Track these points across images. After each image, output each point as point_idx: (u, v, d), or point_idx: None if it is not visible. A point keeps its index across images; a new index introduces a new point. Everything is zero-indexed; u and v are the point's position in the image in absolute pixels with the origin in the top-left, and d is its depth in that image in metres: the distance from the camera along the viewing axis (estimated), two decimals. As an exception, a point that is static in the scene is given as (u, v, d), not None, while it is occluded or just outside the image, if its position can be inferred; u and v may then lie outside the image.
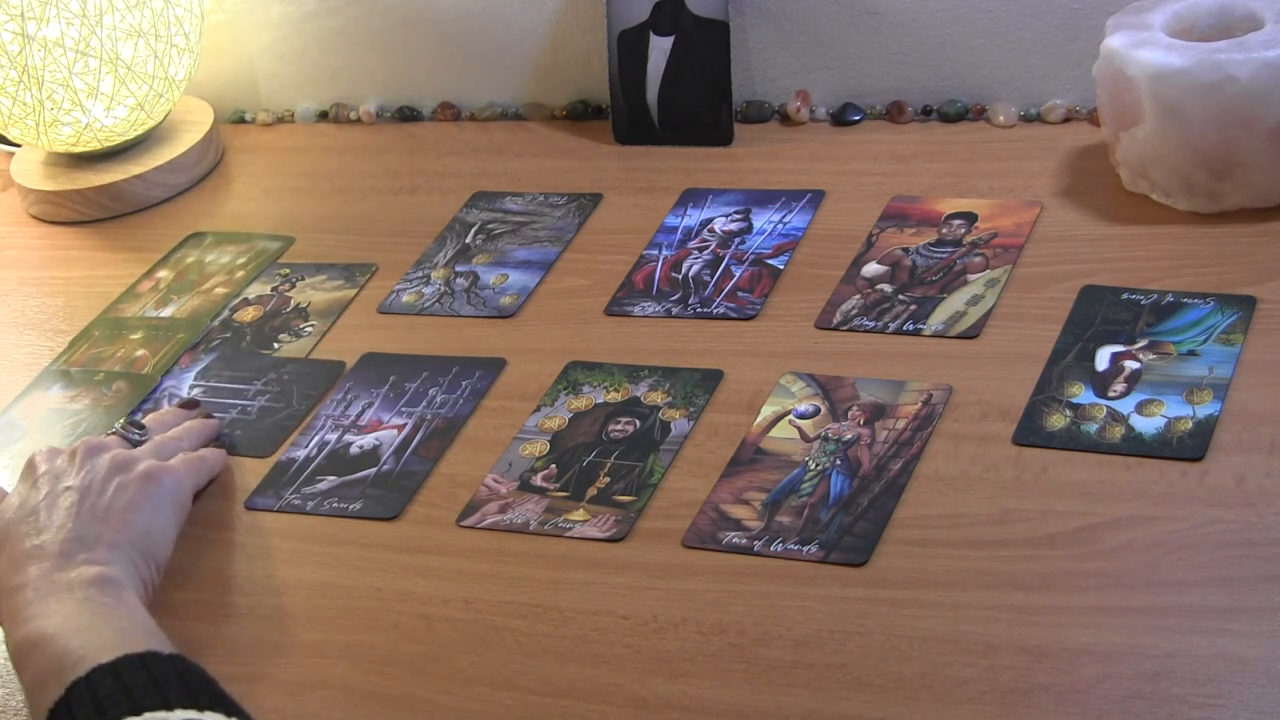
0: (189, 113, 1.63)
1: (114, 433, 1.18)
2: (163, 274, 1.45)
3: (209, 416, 1.24)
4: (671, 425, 1.16)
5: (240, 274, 1.43)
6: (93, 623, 0.97)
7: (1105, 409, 1.09)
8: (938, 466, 1.08)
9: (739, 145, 1.48)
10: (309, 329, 1.34)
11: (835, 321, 1.23)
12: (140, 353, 1.35)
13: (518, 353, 1.26)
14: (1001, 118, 1.44)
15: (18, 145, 1.64)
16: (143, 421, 1.20)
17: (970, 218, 1.31)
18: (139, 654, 0.93)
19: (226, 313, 1.38)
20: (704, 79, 1.48)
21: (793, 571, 1.02)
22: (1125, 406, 1.09)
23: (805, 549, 1.03)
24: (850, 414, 1.13)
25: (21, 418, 1.30)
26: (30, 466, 1.11)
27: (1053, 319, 1.18)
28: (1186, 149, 1.23)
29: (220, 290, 1.41)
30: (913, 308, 1.23)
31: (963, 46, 1.45)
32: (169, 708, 0.89)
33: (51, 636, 0.95)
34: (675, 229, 1.38)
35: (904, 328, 1.21)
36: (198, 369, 1.31)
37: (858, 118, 1.49)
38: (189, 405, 1.26)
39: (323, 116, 1.67)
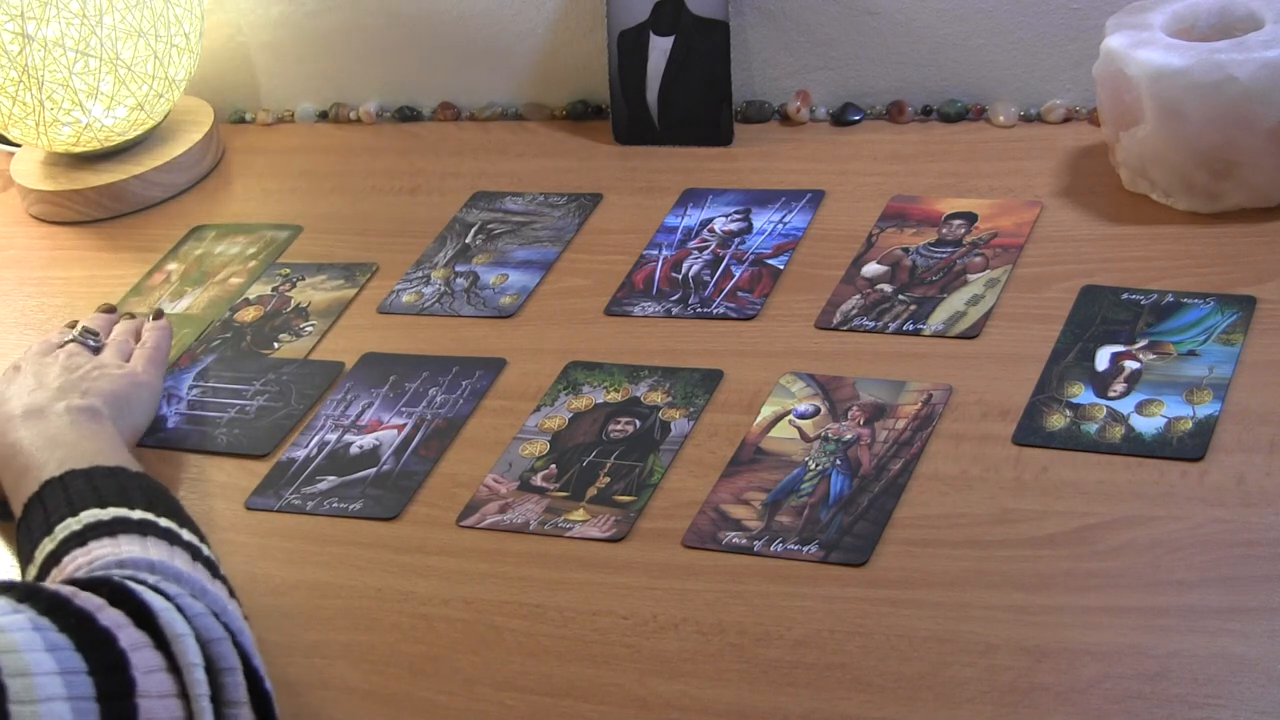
0: (189, 113, 1.63)
1: (73, 340, 1.27)
2: (172, 266, 1.46)
3: (130, 316, 1.34)
4: (671, 425, 1.16)
5: (254, 263, 1.44)
6: (75, 440, 1.10)
7: (1105, 409, 1.09)
8: (938, 466, 1.08)
9: (739, 145, 1.48)
10: (309, 329, 1.34)
11: (835, 321, 1.23)
12: None
13: (518, 353, 1.26)
14: (1001, 118, 1.44)
15: (18, 145, 1.64)
16: (93, 328, 1.29)
17: (970, 218, 1.31)
18: (110, 466, 1.06)
19: (228, 313, 1.38)
20: (704, 79, 1.48)
21: (793, 571, 1.02)
22: (1125, 406, 1.09)
23: (805, 549, 1.03)
24: (850, 414, 1.13)
25: None
26: (14, 368, 1.23)
27: (1053, 319, 1.18)
28: (1186, 149, 1.23)
29: (235, 280, 1.42)
30: (913, 308, 1.23)
31: (963, 46, 1.45)
32: (131, 508, 1.00)
33: (32, 447, 1.09)
34: (675, 229, 1.38)
35: (904, 328, 1.21)
36: (197, 369, 1.32)
37: (858, 118, 1.49)
38: (108, 310, 1.35)
39: (323, 116, 1.67)
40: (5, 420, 1.14)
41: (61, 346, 1.26)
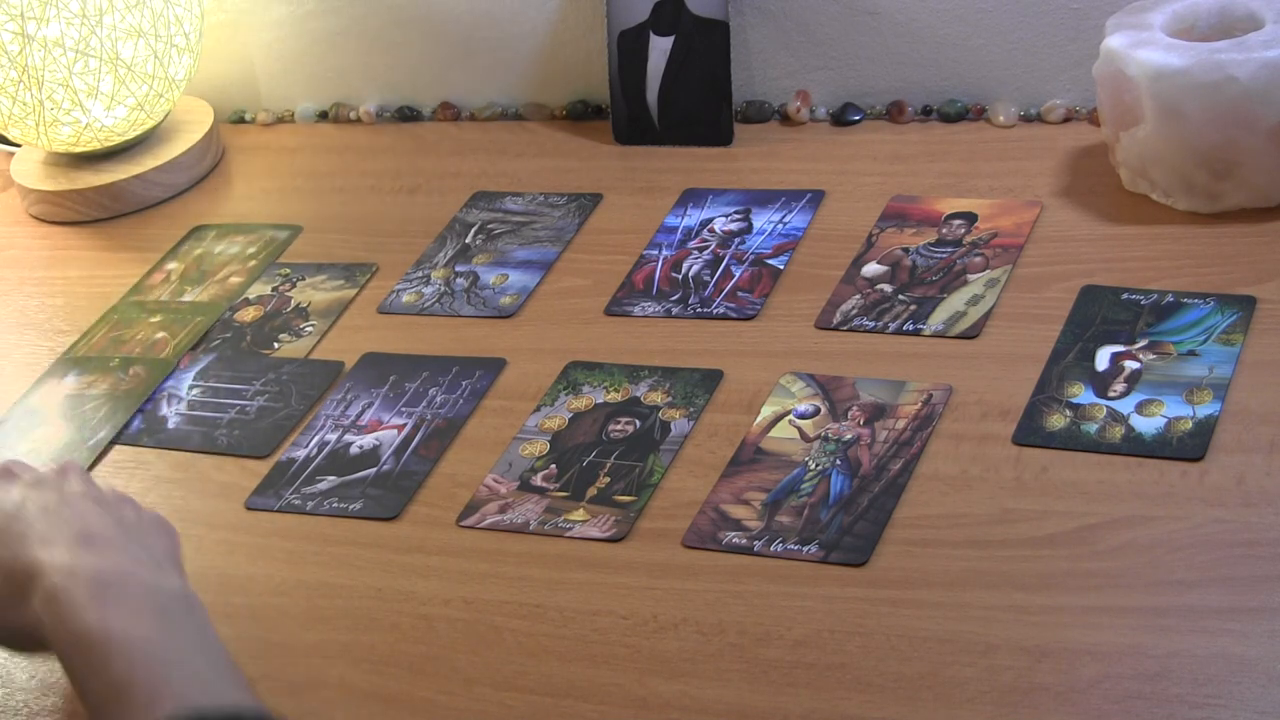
0: (189, 113, 1.63)
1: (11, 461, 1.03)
2: (172, 266, 1.46)
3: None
4: (671, 425, 1.16)
5: (253, 262, 1.44)
6: (182, 649, 0.86)
7: (1105, 409, 1.09)
8: (938, 466, 1.08)
9: (739, 145, 1.48)
10: (309, 329, 1.34)
11: (835, 321, 1.23)
12: (160, 335, 1.36)
13: (518, 353, 1.26)
14: (1001, 118, 1.44)
15: (18, 145, 1.64)
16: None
17: (970, 218, 1.31)
18: (254, 711, 0.83)
19: (228, 313, 1.38)
20: (704, 79, 1.48)
21: (793, 571, 1.02)
22: (1125, 406, 1.09)
23: (805, 549, 1.03)
24: (850, 414, 1.13)
25: (41, 404, 1.30)
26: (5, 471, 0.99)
27: (1053, 319, 1.18)
28: (1186, 149, 1.23)
29: (235, 280, 1.42)
30: (913, 308, 1.23)
31: (963, 46, 1.45)
32: None
33: (129, 648, 0.84)
34: (675, 229, 1.38)
35: (904, 328, 1.21)
36: (197, 369, 1.31)
37: (858, 118, 1.49)
38: None
39: (323, 116, 1.67)
40: (74, 593, 0.87)
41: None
